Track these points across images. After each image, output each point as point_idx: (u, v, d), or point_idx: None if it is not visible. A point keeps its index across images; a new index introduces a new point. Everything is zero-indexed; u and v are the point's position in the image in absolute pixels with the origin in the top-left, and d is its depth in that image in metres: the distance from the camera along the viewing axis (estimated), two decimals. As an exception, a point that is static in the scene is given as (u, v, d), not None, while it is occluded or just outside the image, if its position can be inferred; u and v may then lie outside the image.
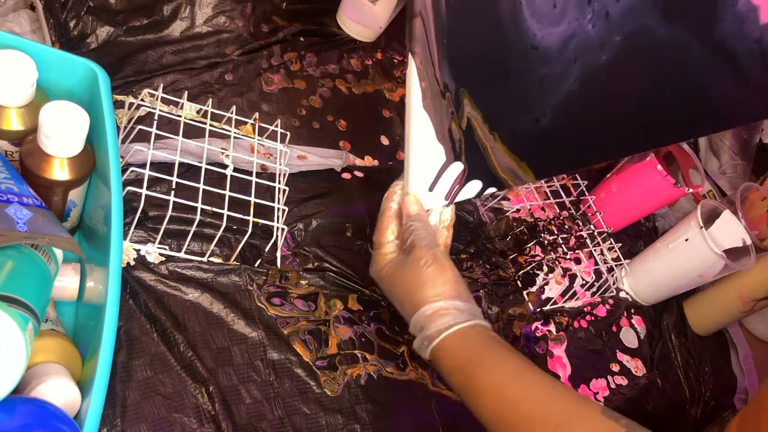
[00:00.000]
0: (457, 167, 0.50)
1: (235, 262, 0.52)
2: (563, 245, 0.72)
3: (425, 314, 0.45)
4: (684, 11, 0.44)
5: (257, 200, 0.52)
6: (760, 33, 0.45)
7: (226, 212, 0.49)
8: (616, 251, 0.77)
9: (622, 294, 0.77)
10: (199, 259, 0.51)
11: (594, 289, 0.72)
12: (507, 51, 0.45)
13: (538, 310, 0.68)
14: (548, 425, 0.39)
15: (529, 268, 0.69)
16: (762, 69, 0.47)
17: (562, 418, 0.40)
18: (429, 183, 0.50)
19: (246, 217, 0.50)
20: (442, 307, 0.45)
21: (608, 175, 0.80)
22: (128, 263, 0.48)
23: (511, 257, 0.69)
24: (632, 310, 0.76)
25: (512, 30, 0.44)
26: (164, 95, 0.56)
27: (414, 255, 0.46)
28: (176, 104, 0.58)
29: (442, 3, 0.41)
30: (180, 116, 0.54)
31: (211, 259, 0.52)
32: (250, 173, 0.54)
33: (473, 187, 0.52)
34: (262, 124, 0.60)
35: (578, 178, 0.80)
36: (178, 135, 0.51)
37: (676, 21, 0.45)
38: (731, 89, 0.49)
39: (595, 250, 0.75)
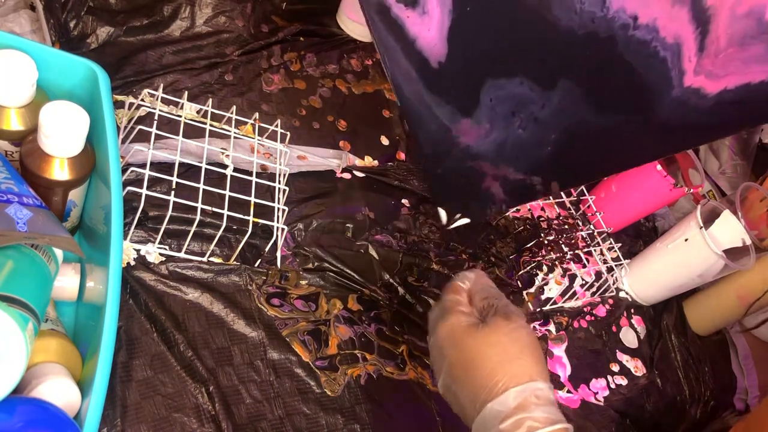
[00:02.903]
0: None
1: (235, 262, 0.52)
2: (563, 245, 0.72)
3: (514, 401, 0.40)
4: (616, 106, 0.43)
5: (257, 200, 0.52)
6: (713, 101, 0.42)
7: (226, 212, 0.49)
8: (616, 251, 0.77)
9: (621, 294, 0.77)
10: (199, 259, 0.51)
11: (594, 289, 0.72)
12: (449, 155, 0.48)
13: (538, 310, 0.68)
14: None
15: (529, 268, 0.69)
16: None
17: None
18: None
19: (246, 217, 0.50)
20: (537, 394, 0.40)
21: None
22: (128, 263, 0.48)
23: (510, 257, 0.69)
24: (632, 310, 0.76)
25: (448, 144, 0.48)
26: (164, 95, 0.56)
27: (512, 321, 0.43)
28: (176, 104, 0.58)
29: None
30: (180, 116, 0.54)
31: (211, 259, 0.52)
32: (250, 173, 0.54)
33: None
34: (262, 124, 0.60)
35: (578, 178, 0.80)
36: (178, 135, 0.51)
37: (615, 113, 0.44)
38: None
39: (595, 250, 0.75)
